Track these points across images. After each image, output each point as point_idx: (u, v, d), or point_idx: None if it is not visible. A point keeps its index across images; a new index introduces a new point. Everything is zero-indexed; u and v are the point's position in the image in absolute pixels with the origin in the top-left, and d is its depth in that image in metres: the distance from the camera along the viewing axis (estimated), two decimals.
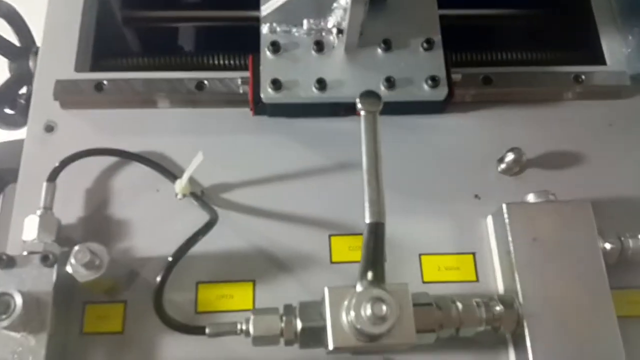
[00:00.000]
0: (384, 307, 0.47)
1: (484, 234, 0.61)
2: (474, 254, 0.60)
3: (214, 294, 0.57)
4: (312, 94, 0.62)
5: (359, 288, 0.49)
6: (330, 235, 0.60)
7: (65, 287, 0.56)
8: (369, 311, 0.47)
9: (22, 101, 0.80)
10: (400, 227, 0.60)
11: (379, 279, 0.49)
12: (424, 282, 0.59)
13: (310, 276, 0.58)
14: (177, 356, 0.55)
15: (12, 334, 0.51)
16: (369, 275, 0.49)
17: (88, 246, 0.50)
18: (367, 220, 0.46)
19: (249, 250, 0.59)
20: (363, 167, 0.47)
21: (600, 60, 0.70)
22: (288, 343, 0.51)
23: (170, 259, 0.52)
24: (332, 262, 0.59)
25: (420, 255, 0.60)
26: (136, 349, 0.55)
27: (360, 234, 0.50)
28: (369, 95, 0.50)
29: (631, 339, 0.53)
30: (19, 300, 0.48)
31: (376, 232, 0.46)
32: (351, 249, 0.60)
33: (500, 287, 0.58)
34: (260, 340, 0.51)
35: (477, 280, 0.59)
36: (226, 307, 0.57)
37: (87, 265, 0.50)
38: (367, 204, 0.46)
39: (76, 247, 0.50)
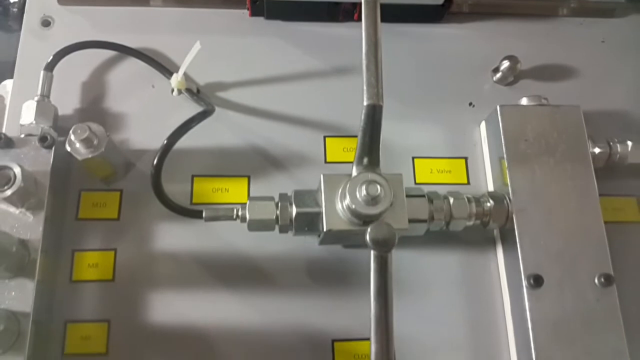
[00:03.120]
0: (378, 188, 0.48)
1: (476, 140, 0.62)
2: (466, 158, 0.61)
3: (209, 187, 0.58)
4: None
5: (354, 173, 0.50)
6: (325, 137, 0.61)
7: (62, 173, 0.56)
8: (363, 192, 0.48)
9: (15, 9, 0.79)
10: (394, 131, 0.61)
11: (374, 164, 0.50)
12: (416, 184, 0.60)
13: (304, 174, 0.59)
14: (170, 243, 0.56)
15: (11, 209, 0.51)
16: (365, 160, 0.50)
17: (87, 124, 0.50)
18: (365, 103, 0.46)
19: (244, 147, 0.60)
20: (363, 52, 0.47)
21: None
22: (283, 229, 0.52)
23: (165, 141, 0.53)
24: (326, 162, 0.60)
25: (413, 158, 0.61)
26: (131, 235, 0.56)
27: (355, 136, 0.50)
28: None
29: (615, 243, 0.55)
30: (18, 172, 0.49)
31: (373, 115, 0.47)
32: (345, 150, 0.61)
33: (491, 190, 0.59)
34: (255, 224, 0.52)
35: (468, 183, 0.60)
36: (221, 200, 0.58)
37: (85, 142, 0.50)
38: (365, 87, 0.47)
39: (75, 125, 0.50)
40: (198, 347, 0.53)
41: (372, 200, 0.48)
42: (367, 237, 0.42)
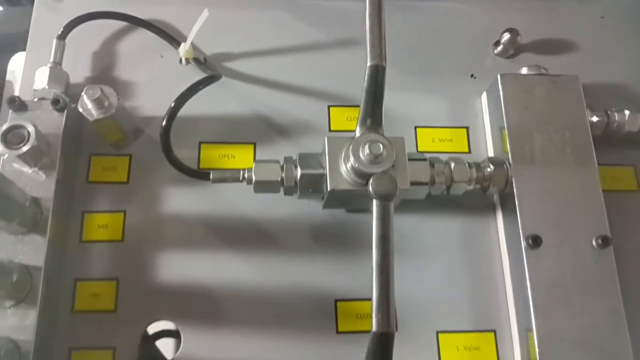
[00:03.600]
0: (381, 147, 0.49)
1: (478, 111, 0.63)
2: (467, 128, 0.63)
3: (216, 153, 0.60)
4: None
5: (357, 133, 0.51)
6: (329, 106, 0.62)
7: (73, 137, 0.58)
8: (366, 151, 0.49)
9: None
10: (398, 102, 0.62)
11: (377, 125, 0.51)
12: (418, 152, 0.61)
13: (309, 142, 0.61)
14: (178, 206, 0.57)
15: (25, 168, 0.53)
16: (368, 121, 0.51)
17: (99, 86, 0.52)
18: (368, 63, 0.48)
19: (250, 115, 0.61)
20: (366, 14, 0.49)
21: None
22: (287, 191, 0.54)
23: (173, 103, 0.54)
24: (330, 131, 0.61)
25: (415, 127, 0.62)
26: (140, 198, 0.57)
27: (359, 106, 0.52)
28: None
29: (613, 211, 0.56)
30: (32, 130, 0.50)
31: (376, 75, 0.48)
32: (349, 120, 0.62)
33: None
34: (261, 185, 0.54)
35: (470, 152, 0.62)
36: (227, 166, 0.59)
37: (97, 103, 0.52)
38: (368, 48, 0.48)
39: (88, 86, 0.52)
40: (204, 305, 0.54)
41: (375, 159, 0.49)
42: (370, 188, 0.43)
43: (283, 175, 0.53)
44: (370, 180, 0.43)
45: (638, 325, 0.52)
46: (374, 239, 0.42)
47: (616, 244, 0.54)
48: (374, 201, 0.43)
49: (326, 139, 0.53)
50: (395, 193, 0.43)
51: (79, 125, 0.58)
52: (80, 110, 0.53)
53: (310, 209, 0.58)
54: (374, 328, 0.41)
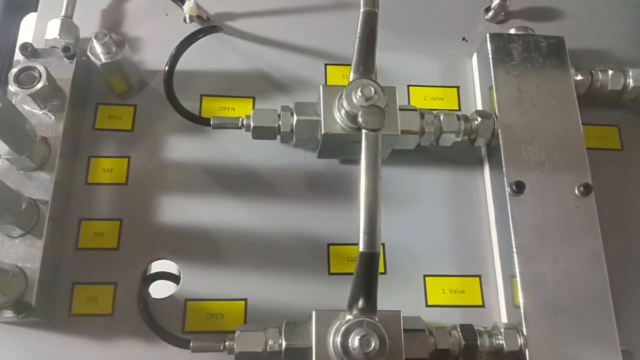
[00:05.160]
0: (372, 90, 0.52)
1: (468, 71, 0.66)
2: (458, 87, 0.65)
3: (216, 106, 0.62)
4: None
5: (351, 79, 0.54)
6: (326, 64, 0.65)
7: (82, 86, 0.61)
8: (359, 94, 0.52)
9: None
10: (392, 61, 0.65)
11: (369, 71, 0.54)
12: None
13: (306, 97, 0.63)
14: (180, 153, 0.60)
15: (35, 110, 0.55)
16: (361, 68, 0.54)
17: (108, 32, 0.55)
18: (362, 9, 0.51)
19: (250, 71, 0.64)
20: None
21: None
22: (284, 137, 0.57)
23: (174, 50, 0.57)
24: None
25: (408, 86, 0.65)
26: (144, 145, 0.60)
27: None
28: None
29: (597, 167, 0.58)
30: (43, 70, 0.53)
31: (369, 21, 0.51)
32: (344, 77, 0.65)
33: None
34: (259, 131, 0.56)
35: (460, 110, 0.64)
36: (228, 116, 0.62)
37: (105, 47, 0.55)
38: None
39: (97, 30, 0.55)
40: (203, 245, 0.57)
41: (367, 101, 0.52)
42: (359, 118, 0.46)
43: (280, 122, 0.56)
44: (360, 112, 0.46)
45: (616, 270, 0.55)
46: (363, 165, 0.45)
47: (600, 201, 0.56)
48: (363, 131, 0.46)
49: (321, 87, 0.55)
50: (383, 123, 0.46)
51: (87, 76, 0.61)
52: (89, 55, 0.55)
53: (306, 159, 0.61)
54: (360, 248, 0.43)
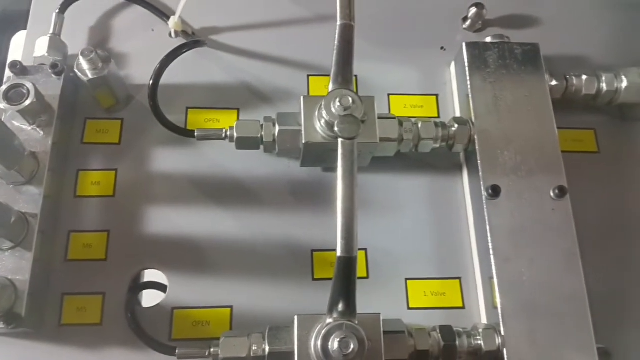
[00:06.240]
0: (350, 100, 0.54)
1: (447, 79, 0.68)
2: (437, 95, 0.67)
3: (202, 118, 0.64)
4: None
5: (330, 89, 0.55)
6: (308, 75, 0.67)
7: (70, 102, 0.62)
8: (337, 104, 0.53)
9: None
10: (372, 71, 0.67)
11: (348, 82, 0.55)
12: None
13: (289, 108, 0.64)
14: (167, 165, 0.62)
15: (24, 126, 0.57)
16: (340, 78, 0.55)
17: (94, 48, 0.57)
18: (338, 22, 0.52)
19: (235, 84, 0.66)
20: None
21: None
22: (267, 147, 0.58)
23: (158, 65, 0.59)
24: None
25: (389, 95, 0.67)
26: (130, 158, 0.62)
27: None
28: None
29: (574, 170, 0.60)
30: (31, 87, 0.55)
31: (346, 34, 0.52)
32: (327, 88, 0.63)
33: None
34: (242, 142, 0.58)
35: (439, 117, 0.66)
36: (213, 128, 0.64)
37: (91, 63, 0.56)
38: (338, 8, 0.52)
39: (84, 47, 0.57)
40: (189, 255, 0.58)
41: (345, 111, 0.53)
42: (336, 127, 0.47)
43: (262, 132, 0.58)
44: (336, 122, 0.48)
45: (592, 270, 0.56)
46: (340, 173, 0.46)
47: (577, 201, 0.58)
48: (339, 140, 0.47)
49: (302, 98, 0.57)
50: (358, 131, 0.47)
51: (75, 92, 0.63)
52: (76, 71, 0.57)
53: (289, 168, 0.62)
54: (338, 253, 0.45)
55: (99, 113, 0.63)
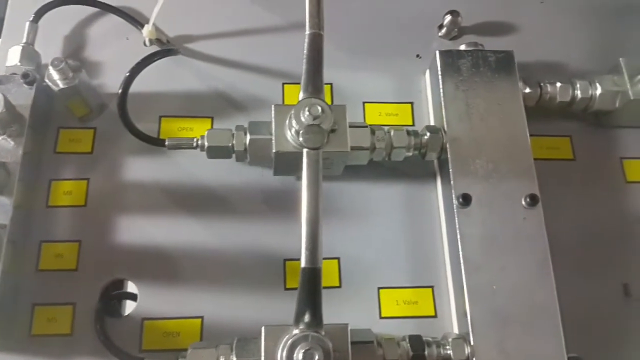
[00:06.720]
0: (319, 109, 0.53)
1: (422, 87, 0.67)
2: (412, 103, 0.67)
3: (175, 126, 0.64)
4: None
5: (300, 98, 0.55)
6: (283, 83, 0.67)
7: (43, 111, 0.62)
8: (307, 113, 0.53)
9: None
10: (348, 79, 0.67)
11: (318, 91, 0.55)
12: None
13: (264, 116, 0.63)
14: (138, 175, 0.62)
15: None
16: (310, 88, 0.55)
17: (64, 58, 0.56)
18: (307, 32, 0.52)
19: (209, 92, 0.66)
20: None
21: None
22: (239, 156, 0.58)
23: (128, 73, 0.58)
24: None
25: (364, 102, 0.66)
26: (102, 167, 0.62)
27: None
28: None
29: (550, 177, 0.60)
30: (0, 97, 0.55)
31: (315, 43, 0.53)
32: None
33: None
34: (214, 151, 0.58)
35: (414, 125, 0.66)
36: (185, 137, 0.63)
37: (61, 73, 0.56)
38: (307, 18, 0.53)
39: (53, 57, 0.56)
40: (161, 264, 0.58)
41: (314, 120, 0.53)
42: (300, 137, 0.47)
43: (234, 141, 0.58)
44: (301, 132, 0.48)
45: (564, 280, 0.56)
46: (304, 183, 0.46)
47: (553, 209, 0.58)
48: (304, 150, 0.47)
49: (273, 106, 0.57)
50: (323, 141, 0.47)
51: (48, 101, 0.63)
52: (47, 81, 0.57)
53: (262, 177, 0.62)
54: (302, 264, 0.45)
55: (72, 122, 0.63)
